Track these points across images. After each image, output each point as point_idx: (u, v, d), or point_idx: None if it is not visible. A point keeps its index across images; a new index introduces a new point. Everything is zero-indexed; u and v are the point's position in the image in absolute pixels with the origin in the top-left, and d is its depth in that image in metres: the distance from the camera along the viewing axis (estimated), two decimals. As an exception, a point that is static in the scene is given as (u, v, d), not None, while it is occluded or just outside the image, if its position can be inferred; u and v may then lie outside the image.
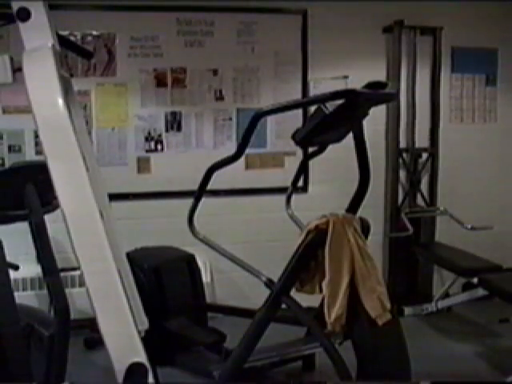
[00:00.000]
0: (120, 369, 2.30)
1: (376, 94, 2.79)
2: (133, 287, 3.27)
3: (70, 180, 2.32)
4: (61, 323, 2.48)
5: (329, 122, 2.68)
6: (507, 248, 5.50)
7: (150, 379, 2.33)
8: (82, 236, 2.30)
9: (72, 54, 4.27)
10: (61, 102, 2.31)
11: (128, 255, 3.67)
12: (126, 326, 2.34)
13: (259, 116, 2.69)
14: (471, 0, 5.54)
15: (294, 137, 2.89)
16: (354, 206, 3.03)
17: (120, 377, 2.30)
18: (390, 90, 3.29)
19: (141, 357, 2.33)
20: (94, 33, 4.98)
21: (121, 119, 5.12)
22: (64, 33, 4.60)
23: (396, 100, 5.27)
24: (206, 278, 4.94)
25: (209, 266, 5.11)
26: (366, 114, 2.89)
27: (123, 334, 2.36)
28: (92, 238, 2.32)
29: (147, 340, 2.70)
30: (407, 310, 5.30)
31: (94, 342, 4.40)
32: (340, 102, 2.61)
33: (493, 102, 5.86)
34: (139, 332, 2.41)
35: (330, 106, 2.63)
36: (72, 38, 4.81)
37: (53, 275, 2.51)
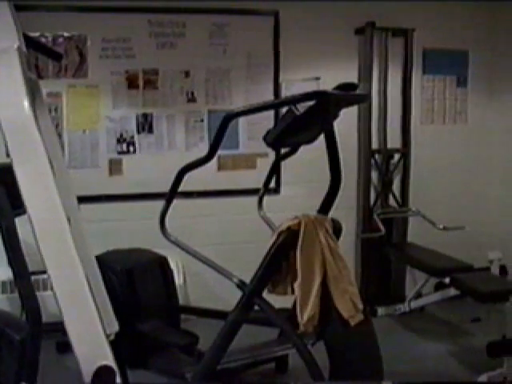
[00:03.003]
0: (87, 372, 2.28)
1: (347, 95, 2.80)
2: (102, 290, 3.23)
3: (35, 184, 2.29)
4: (32, 327, 2.45)
5: (300, 123, 2.68)
6: (478, 248, 5.53)
7: (118, 381, 2.32)
8: (48, 241, 2.28)
9: (43, 56, 4.22)
10: (26, 104, 2.28)
11: (99, 258, 3.64)
12: (94, 329, 2.32)
13: (230, 118, 2.69)
14: (457, 0, 5.61)
15: (265, 138, 2.89)
16: (325, 206, 3.03)
17: (88, 380, 2.29)
18: (361, 91, 3.31)
19: (108, 360, 2.31)
20: (66, 34, 4.94)
21: (92, 121, 5.09)
22: (35, 34, 4.58)
23: (367, 101, 5.29)
24: (178, 279, 4.93)
25: (181, 268, 5.09)
26: (336, 116, 2.90)
27: (90, 338, 2.34)
28: (58, 242, 2.29)
29: (119, 342, 2.69)
30: (380, 311, 5.34)
31: (66, 345, 4.30)
32: (311, 103, 2.62)
33: (463, 103, 5.92)
34: (107, 335, 2.39)
35: (302, 107, 2.64)
36: (43, 40, 4.77)
37: (24, 278, 2.48)
